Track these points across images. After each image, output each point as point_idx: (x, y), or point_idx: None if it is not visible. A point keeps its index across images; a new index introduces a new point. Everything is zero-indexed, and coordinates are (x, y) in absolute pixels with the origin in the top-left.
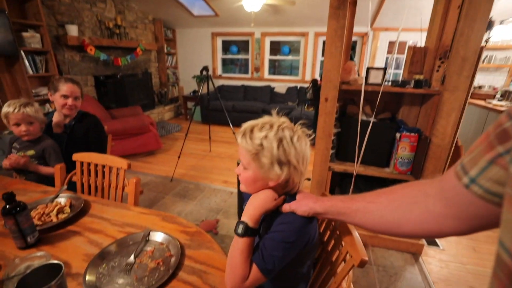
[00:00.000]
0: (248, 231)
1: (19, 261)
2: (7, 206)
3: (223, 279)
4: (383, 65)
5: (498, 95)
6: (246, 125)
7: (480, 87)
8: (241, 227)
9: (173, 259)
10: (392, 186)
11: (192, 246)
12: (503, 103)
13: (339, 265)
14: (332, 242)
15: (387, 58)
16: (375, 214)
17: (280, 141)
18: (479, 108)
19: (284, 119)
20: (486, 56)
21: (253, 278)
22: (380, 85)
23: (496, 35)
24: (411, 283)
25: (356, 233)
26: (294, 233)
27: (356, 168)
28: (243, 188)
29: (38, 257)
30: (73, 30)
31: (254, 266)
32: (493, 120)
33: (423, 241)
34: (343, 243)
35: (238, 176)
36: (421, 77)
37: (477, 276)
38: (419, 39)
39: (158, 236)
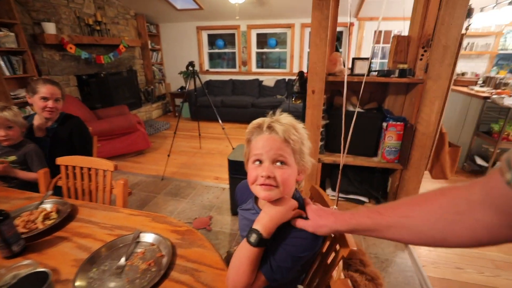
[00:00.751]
0: (261, 242)
1: (5, 271)
2: None
3: (215, 276)
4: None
5: (480, 81)
6: (274, 118)
7: (463, 74)
8: (254, 236)
9: (164, 259)
10: (423, 195)
11: (183, 245)
12: (484, 89)
13: (330, 256)
14: None
15: (373, 48)
16: (412, 230)
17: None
18: (463, 95)
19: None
20: (468, 43)
21: (257, 286)
22: (365, 75)
23: (477, 22)
24: (401, 267)
25: None
26: (306, 249)
27: (342, 159)
28: (277, 192)
29: (25, 266)
30: (50, 28)
31: (262, 276)
32: (476, 106)
33: None
34: (333, 234)
35: (268, 178)
36: (405, 66)
37: (463, 257)
38: (403, 28)
39: (148, 237)
